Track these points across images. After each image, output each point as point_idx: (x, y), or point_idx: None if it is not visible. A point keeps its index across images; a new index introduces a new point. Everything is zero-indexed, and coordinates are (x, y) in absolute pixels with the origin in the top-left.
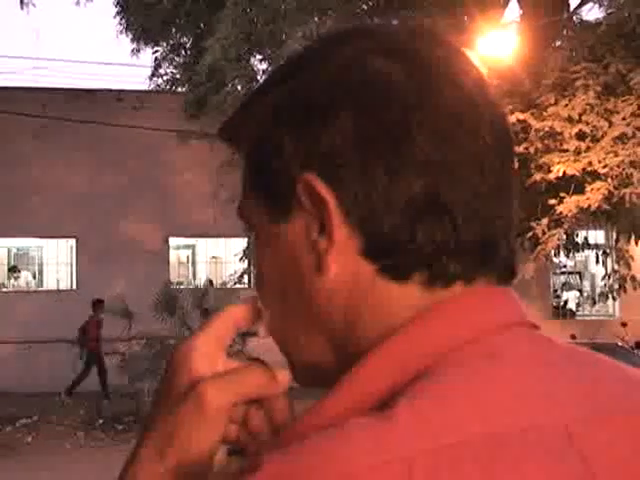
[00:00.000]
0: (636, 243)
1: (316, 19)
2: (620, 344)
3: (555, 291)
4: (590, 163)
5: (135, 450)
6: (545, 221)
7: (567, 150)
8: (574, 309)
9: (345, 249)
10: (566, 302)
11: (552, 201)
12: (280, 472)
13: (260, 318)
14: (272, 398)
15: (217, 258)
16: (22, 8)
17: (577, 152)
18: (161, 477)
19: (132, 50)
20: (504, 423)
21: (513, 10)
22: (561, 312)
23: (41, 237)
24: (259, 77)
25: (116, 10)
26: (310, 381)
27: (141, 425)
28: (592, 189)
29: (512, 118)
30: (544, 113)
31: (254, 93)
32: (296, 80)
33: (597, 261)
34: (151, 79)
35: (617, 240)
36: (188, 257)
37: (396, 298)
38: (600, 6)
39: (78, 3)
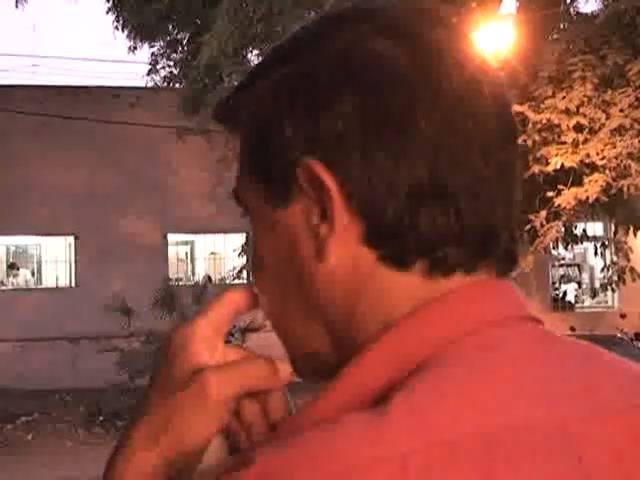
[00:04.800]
0: (634, 235)
1: (312, 14)
2: (619, 336)
3: (554, 283)
4: (588, 155)
5: (126, 433)
6: (543, 213)
7: (565, 142)
8: (573, 301)
9: (346, 235)
10: (565, 294)
11: (550, 193)
12: (271, 466)
13: (258, 304)
14: (269, 391)
15: (216, 254)
16: (17, 6)
17: (575, 144)
18: (152, 464)
19: (129, 47)
20: (500, 421)
21: (510, 2)
22: (560, 304)
23: (39, 235)
24: None
25: (107, 6)
26: (308, 372)
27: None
28: (590, 181)
29: None
30: (541, 105)
31: (251, 74)
32: (296, 63)
33: (596, 253)
34: (148, 75)
35: (615, 232)
36: (187, 253)
37: (396, 287)
38: None
39: None
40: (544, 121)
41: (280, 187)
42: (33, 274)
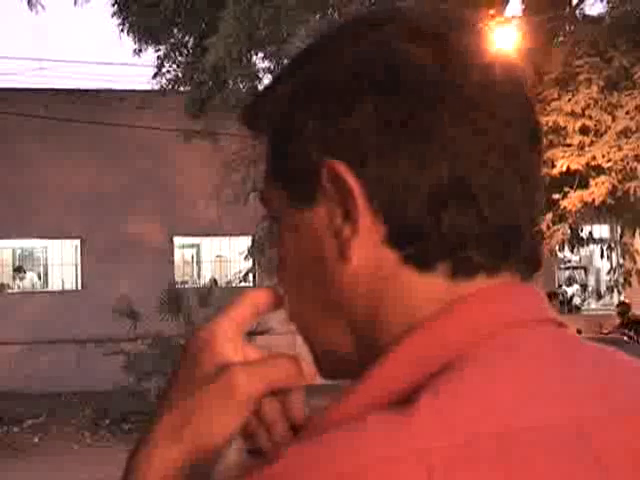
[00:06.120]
0: None
1: (318, 17)
2: (626, 338)
3: (560, 286)
4: (594, 157)
5: (143, 437)
6: (549, 216)
7: (571, 145)
8: (579, 304)
9: (369, 236)
10: (572, 297)
11: (556, 196)
12: (291, 465)
13: (281, 304)
14: (289, 390)
15: (222, 257)
16: (30, 9)
17: (581, 147)
18: (173, 459)
19: (134, 50)
20: (517, 421)
21: (515, 5)
22: (567, 307)
23: (46, 238)
24: (261, 75)
25: (113, 10)
26: (330, 372)
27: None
28: (596, 183)
29: None
30: (547, 108)
31: (276, 78)
32: (320, 64)
33: (602, 255)
34: (154, 78)
35: (622, 234)
36: (193, 256)
37: (419, 288)
38: (602, 0)
39: (76, 3)
40: (550, 123)
41: (303, 188)
42: (40, 277)
